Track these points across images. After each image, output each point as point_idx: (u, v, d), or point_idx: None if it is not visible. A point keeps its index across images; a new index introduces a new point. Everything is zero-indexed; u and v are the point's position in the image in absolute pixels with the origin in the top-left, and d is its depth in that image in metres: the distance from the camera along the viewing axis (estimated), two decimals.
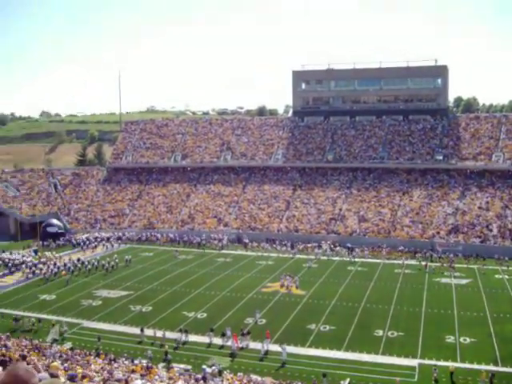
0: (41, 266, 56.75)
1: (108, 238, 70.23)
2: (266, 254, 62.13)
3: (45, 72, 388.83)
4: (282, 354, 32.50)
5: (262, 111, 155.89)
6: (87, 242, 68.53)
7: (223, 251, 64.26)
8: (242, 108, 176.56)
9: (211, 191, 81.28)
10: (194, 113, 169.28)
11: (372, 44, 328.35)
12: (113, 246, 67.92)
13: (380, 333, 36.70)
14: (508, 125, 79.18)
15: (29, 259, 59.63)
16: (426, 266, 54.91)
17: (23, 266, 57.30)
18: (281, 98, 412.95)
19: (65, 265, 56.83)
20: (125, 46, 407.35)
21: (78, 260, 58.43)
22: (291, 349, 33.57)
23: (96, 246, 67.71)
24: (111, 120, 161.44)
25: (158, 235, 71.22)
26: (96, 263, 57.47)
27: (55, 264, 57.42)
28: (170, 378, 24.62)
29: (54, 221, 74.26)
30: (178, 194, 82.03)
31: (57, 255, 61.70)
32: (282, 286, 48.19)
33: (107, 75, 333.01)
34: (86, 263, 57.19)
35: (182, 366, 30.72)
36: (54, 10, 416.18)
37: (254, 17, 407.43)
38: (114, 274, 54.69)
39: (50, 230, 71.48)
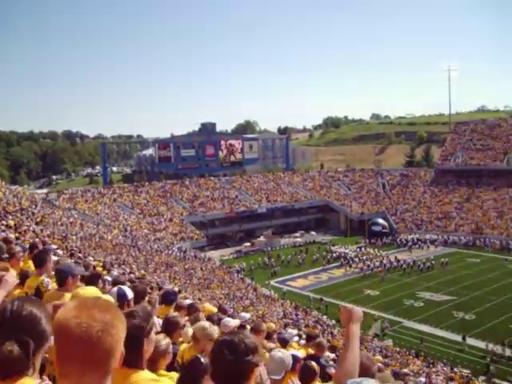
0: (356, 260, 60.55)
1: (430, 241, 69.98)
2: None
3: (373, 75, 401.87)
4: None
5: None
6: (410, 243, 69.18)
7: None
8: None
9: None
10: None
11: None
12: (428, 247, 67.78)
13: None
14: None
15: (351, 254, 63.16)
16: None
17: (342, 259, 61.16)
18: None
19: (381, 262, 58.70)
20: (456, 41, 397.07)
21: (395, 258, 59.85)
22: None
23: (419, 247, 67.88)
24: (440, 121, 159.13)
25: (496, 241, 67.88)
26: (411, 263, 57.94)
27: (371, 260, 59.90)
28: None
29: (380, 220, 76.76)
30: (510, 199, 77.12)
31: (378, 253, 63.74)
32: None
33: (436, 74, 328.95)
34: (402, 262, 58.21)
35: (505, 383, 29.11)
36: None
37: None
38: (435, 276, 54.13)
39: (374, 228, 74.31)
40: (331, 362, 8.91)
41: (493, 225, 72.52)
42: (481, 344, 35.61)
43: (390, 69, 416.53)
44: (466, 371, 30.05)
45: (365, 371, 3.18)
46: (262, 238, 73.38)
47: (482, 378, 30.02)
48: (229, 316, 9.57)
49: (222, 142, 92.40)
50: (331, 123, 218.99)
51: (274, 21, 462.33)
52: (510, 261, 59.43)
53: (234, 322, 7.74)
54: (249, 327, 8.38)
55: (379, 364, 10.73)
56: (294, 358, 5.70)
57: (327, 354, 10.98)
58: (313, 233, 79.77)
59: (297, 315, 37.88)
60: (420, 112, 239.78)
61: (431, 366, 29.19)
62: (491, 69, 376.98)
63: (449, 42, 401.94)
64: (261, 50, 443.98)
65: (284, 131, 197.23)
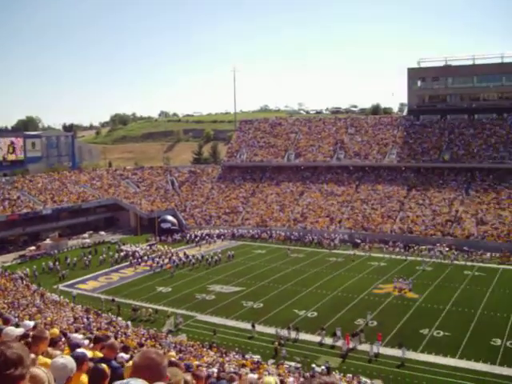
0: (145, 258, 60.87)
1: (218, 235, 72.30)
2: (378, 255, 61.16)
3: (161, 73, 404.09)
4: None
5: (376, 110, 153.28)
6: (198, 238, 70.84)
7: (335, 251, 63.94)
8: (355, 107, 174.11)
9: (324, 190, 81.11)
10: (307, 112, 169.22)
11: (492, 37, 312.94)
12: (215, 241, 70.18)
13: (498, 342, 34.82)
14: None
15: (140, 252, 62.94)
16: None
17: (131, 258, 60.83)
18: (396, 97, 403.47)
19: (169, 258, 59.49)
20: (240, 44, 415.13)
21: (184, 254, 61.02)
22: (400, 352, 32.86)
23: (207, 242, 69.63)
24: (226, 119, 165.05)
25: (280, 233, 72.00)
26: (200, 258, 59.46)
27: (161, 257, 60.56)
28: (279, 375, 24.86)
29: (169, 217, 77.19)
30: (291, 193, 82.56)
31: (169, 250, 64.25)
32: (394, 288, 47.24)
33: (222, 74, 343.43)
34: (191, 258, 59.57)
35: (293, 363, 30.94)
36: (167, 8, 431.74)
37: (368, 12, 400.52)
38: (224, 270, 56.01)
39: (163, 225, 74.61)
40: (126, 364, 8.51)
41: (276, 217, 76.97)
42: (269, 330, 37.57)
43: (177, 67, 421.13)
44: (256, 357, 31.39)
45: (155, 367, 3.10)
46: (48, 241, 69.57)
47: (271, 361, 31.62)
48: (12, 325, 8.75)
49: (1, 140, 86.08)
50: (119, 120, 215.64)
51: (67, 17, 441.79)
52: (292, 250, 63.59)
53: (16, 331, 7.06)
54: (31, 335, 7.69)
55: (172, 359, 10.59)
56: (80, 357, 5.31)
57: (121, 355, 10.55)
58: (102, 233, 77.79)
59: (88, 318, 36.46)
60: (207, 110, 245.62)
61: (224, 355, 29.96)
62: (272, 70, 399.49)
63: (234, 44, 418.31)
64: (46, 42, 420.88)
65: (70, 128, 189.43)
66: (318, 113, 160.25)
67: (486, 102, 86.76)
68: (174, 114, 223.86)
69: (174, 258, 59.57)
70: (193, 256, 60.03)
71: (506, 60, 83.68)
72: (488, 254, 58.76)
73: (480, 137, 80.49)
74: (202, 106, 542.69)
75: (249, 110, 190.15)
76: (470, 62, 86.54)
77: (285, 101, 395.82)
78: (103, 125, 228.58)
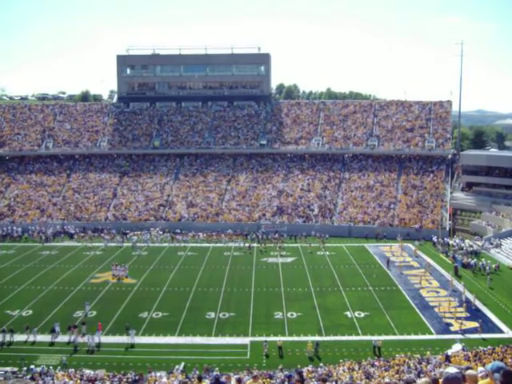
0: None
1: None
2: (93, 245, 60.31)
3: None
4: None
5: (85, 97, 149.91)
6: None
7: (48, 244, 61.28)
8: (64, 93, 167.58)
9: (33, 181, 76.95)
10: (10, 97, 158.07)
11: (198, 29, 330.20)
12: None
13: (212, 315, 37.64)
14: (326, 111, 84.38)
15: None
16: (249, 247, 57.39)
17: None
18: (105, 84, 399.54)
19: None
20: None
21: None
22: (124, 339, 33.23)
23: None
24: None
25: None
26: None
27: None
28: None
29: None
30: None
31: None
32: (112, 276, 47.24)
33: None
34: None
35: (8, 368, 28.90)
36: None
37: None
38: None
39: None
40: None
41: None
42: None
43: None
44: None
45: None
46: None
47: None
48: None
49: None
50: None
51: None
52: (1, 247, 59.26)
53: None
54: None
55: None
56: None
57: None
58: None
59: None
60: None
61: None
62: None
63: None
64: None
65: None
66: (24, 99, 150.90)
67: (192, 91, 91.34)
68: None
69: None
70: None
71: (210, 52, 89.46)
72: (200, 235, 62.49)
73: (187, 124, 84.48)
74: None
75: None
76: (177, 52, 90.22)
77: None
78: None
